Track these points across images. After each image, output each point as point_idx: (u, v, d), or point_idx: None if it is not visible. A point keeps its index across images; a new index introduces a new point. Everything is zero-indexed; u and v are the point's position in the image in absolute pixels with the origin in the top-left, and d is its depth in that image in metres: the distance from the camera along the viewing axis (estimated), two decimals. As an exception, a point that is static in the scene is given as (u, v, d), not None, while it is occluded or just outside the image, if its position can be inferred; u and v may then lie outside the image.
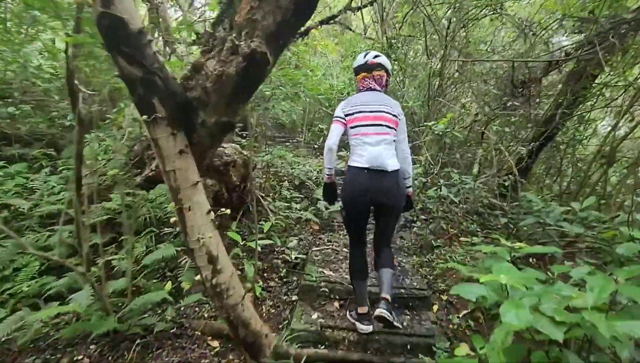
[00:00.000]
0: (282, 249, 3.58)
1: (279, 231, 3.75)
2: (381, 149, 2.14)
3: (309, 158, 7.82)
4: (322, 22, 5.04)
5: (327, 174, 2.34)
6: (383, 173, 2.14)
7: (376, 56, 2.29)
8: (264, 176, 4.70)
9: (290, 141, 10.47)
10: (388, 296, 2.04)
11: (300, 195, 4.80)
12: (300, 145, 9.32)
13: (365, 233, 2.38)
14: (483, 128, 4.30)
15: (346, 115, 2.24)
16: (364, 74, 2.30)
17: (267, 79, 4.64)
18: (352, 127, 2.23)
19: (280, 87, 5.30)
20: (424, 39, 4.52)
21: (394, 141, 2.23)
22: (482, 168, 5.12)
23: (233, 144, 2.94)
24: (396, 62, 5.83)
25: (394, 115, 2.23)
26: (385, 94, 2.34)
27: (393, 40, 5.60)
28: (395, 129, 2.23)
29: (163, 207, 2.77)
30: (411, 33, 5.67)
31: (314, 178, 5.39)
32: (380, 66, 2.28)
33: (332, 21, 5.05)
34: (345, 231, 2.83)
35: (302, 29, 5.98)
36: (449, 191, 4.01)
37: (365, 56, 2.31)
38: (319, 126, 6.17)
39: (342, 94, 8.99)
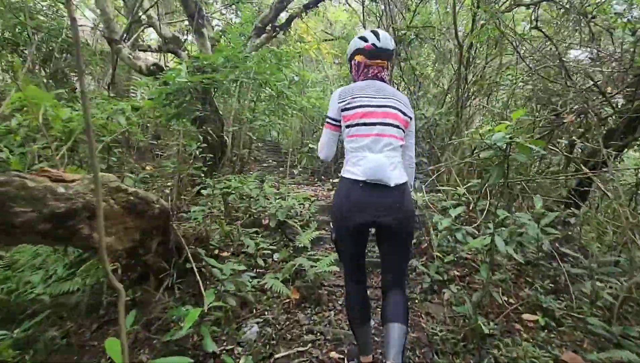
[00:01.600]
0: (225, 349, 2.08)
1: (223, 317, 2.25)
2: (383, 158, 1.68)
3: (301, 186, 6.44)
4: (307, 6, 3.77)
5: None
6: (384, 188, 1.67)
7: (384, 38, 1.78)
8: (216, 219, 3.27)
9: (286, 165, 9.17)
10: None
11: (272, 246, 3.33)
12: (294, 170, 7.98)
13: (364, 263, 1.89)
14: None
15: (343, 110, 1.74)
16: (364, 59, 1.81)
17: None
18: (348, 126, 1.74)
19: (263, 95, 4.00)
20: (453, 21, 3.18)
21: (401, 146, 1.76)
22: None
23: (109, 175, 1.56)
24: (405, 61, 4.49)
25: (404, 113, 1.76)
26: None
27: (403, 33, 4.27)
28: (404, 131, 1.78)
29: None
30: (425, 23, 4.33)
31: (299, 214, 3.93)
32: (385, 54, 1.81)
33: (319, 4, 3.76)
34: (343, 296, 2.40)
35: (283, 19, 4.86)
36: (503, 238, 2.48)
37: (375, 36, 1.77)
38: (310, 145, 4.81)
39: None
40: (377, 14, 7.32)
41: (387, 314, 1.69)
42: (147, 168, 4.98)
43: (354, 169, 1.69)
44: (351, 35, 8.56)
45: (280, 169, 7.55)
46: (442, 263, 3.17)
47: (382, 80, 1.83)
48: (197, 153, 4.21)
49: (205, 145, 4.70)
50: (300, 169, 7.97)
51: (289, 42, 6.13)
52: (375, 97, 1.73)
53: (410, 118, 1.80)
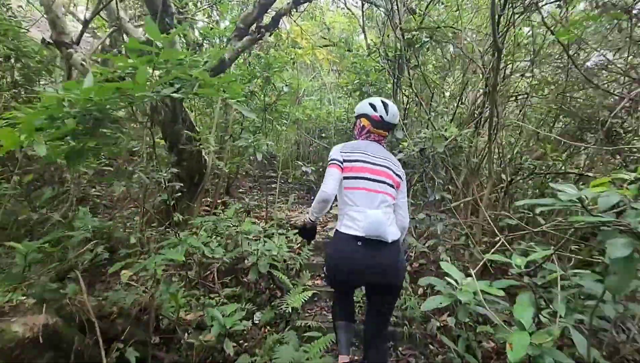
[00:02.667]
0: None
1: None
2: (381, 214, 1.71)
3: (297, 206, 5.69)
4: (296, 2, 3.03)
5: (311, 221, 1.88)
6: (382, 244, 1.69)
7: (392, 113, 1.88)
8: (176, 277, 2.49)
9: (283, 181, 8.42)
10: None
11: (254, 300, 2.55)
12: (287, 188, 7.22)
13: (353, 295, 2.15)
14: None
15: (344, 160, 1.81)
16: (369, 125, 1.90)
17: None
18: (347, 178, 1.80)
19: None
20: (490, 20, 2.46)
21: (394, 204, 1.85)
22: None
23: None
24: (415, 69, 3.76)
25: (397, 174, 1.88)
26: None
27: (412, 35, 3.54)
28: (397, 191, 1.87)
29: None
30: (440, 24, 3.60)
31: (287, 259, 3.15)
32: (389, 128, 1.93)
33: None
34: None
35: (270, 17, 4.14)
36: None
37: (384, 109, 1.86)
38: (303, 168, 4.05)
39: (342, 122, 7.03)
40: (378, 18, 6.67)
41: (371, 361, 1.83)
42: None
43: (353, 224, 1.71)
44: (350, 41, 7.89)
45: (273, 185, 6.80)
46: (474, 334, 2.41)
47: (380, 143, 1.94)
48: (165, 179, 3.46)
49: (179, 169, 3.95)
50: (295, 187, 7.23)
51: (282, 47, 5.40)
52: (374, 156, 1.85)
53: (401, 179, 1.91)
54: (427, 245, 2.91)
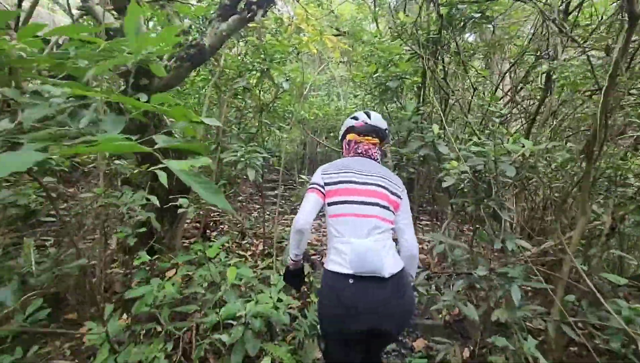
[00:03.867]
0: None
1: None
2: (371, 244, 1.41)
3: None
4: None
5: (293, 261, 1.62)
6: (377, 282, 1.37)
7: (375, 117, 1.74)
8: None
9: (288, 184, 7.58)
10: None
11: None
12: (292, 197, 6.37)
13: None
14: None
15: (326, 183, 1.55)
16: (355, 136, 1.72)
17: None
18: (330, 204, 1.52)
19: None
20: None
21: (392, 229, 1.53)
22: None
23: None
24: (455, 56, 2.85)
25: (393, 193, 1.57)
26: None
27: (454, 11, 2.62)
28: (394, 214, 1.55)
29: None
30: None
31: (287, 322, 2.30)
32: (376, 132, 1.72)
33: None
34: None
35: None
36: None
37: (366, 115, 1.75)
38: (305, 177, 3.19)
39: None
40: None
41: None
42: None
43: (339, 259, 1.41)
44: (361, 31, 6.94)
45: (275, 191, 5.94)
46: None
47: (372, 158, 1.70)
48: (138, 207, 2.65)
49: (155, 185, 3.13)
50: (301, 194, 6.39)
51: (283, 34, 4.51)
52: (362, 174, 1.57)
53: (401, 198, 1.60)
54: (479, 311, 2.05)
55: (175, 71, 2.66)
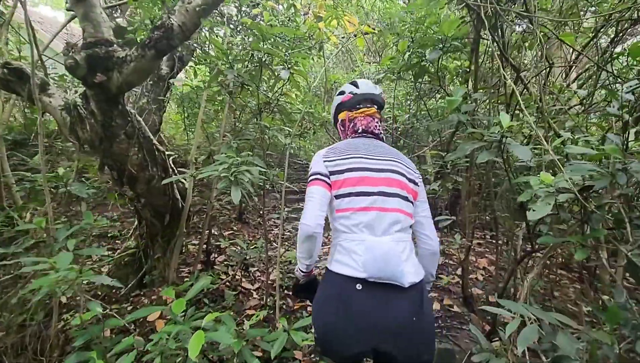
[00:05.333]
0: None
1: None
2: (391, 243, 1.17)
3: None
4: None
5: (303, 272, 1.35)
6: (394, 291, 1.11)
7: (364, 83, 1.49)
8: None
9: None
10: None
11: None
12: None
13: None
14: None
15: (331, 172, 1.28)
16: (346, 113, 1.46)
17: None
18: (338, 197, 1.26)
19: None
20: None
21: (411, 226, 1.27)
22: None
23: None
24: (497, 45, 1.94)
25: (411, 180, 1.32)
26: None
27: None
28: (414, 204, 1.30)
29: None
30: None
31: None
32: (371, 100, 1.46)
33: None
34: None
35: None
36: None
37: (352, 85, 1.49)
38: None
39: (386, 121, 5.28)
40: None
41: None
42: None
43: (349, 261, 1.15)
44: (393, 25, 6.09)
45: (278, 214, 5.10)
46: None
47: (377, 136, 1.43)
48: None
49: (139, 206, 2.54)
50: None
51: (295, 19, 3.83)
52: (373, 158, 1.30)
53: (418, 185, 1.35)
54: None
55: (137, 63, 2.03)
